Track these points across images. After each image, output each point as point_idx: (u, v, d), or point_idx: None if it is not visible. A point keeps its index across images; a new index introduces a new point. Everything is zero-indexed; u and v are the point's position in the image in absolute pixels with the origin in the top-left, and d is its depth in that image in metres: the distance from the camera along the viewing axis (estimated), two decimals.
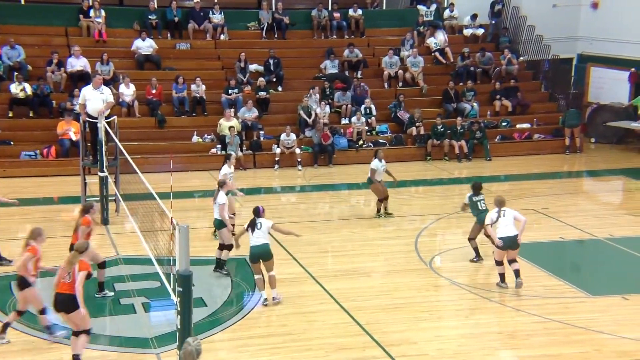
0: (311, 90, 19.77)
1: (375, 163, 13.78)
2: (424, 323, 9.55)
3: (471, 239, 11.57)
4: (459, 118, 19.86)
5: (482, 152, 19.66)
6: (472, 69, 21.75)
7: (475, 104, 20.82)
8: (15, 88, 17.67)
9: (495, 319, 9.82)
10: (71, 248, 9.36)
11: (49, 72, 18.55)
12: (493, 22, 23.36)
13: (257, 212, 10.07)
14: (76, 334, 8.15)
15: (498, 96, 21.19)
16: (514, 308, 10.02)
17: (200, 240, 12.14)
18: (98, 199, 13.09)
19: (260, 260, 9.90)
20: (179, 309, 7.28)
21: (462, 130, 19.66)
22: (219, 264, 11.07)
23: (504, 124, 20.85)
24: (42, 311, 8.82)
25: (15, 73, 17.99)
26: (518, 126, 20.89)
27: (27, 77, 18.21)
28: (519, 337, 9.24)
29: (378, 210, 14.02)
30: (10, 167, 16.49)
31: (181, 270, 7.20)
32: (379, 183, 13.84)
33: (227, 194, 11.46)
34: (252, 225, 9.95)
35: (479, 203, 11.50)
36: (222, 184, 11.34)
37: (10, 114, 17.71)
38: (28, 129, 17.72)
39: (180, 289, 7.23)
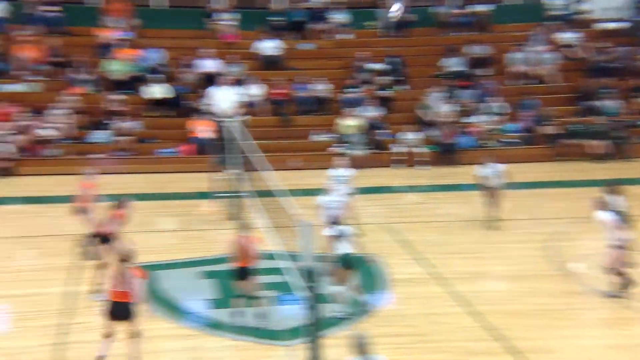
0: (434, 89, 19.49)
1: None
2: (562, 331, 9.10)
3: None
4: (595, 116, 18.80)
5: (621, 152, 18.43)
6: (607, 64, 20.50)
7: (612, 102, 19.60)
8: (152, 90, 18.71)
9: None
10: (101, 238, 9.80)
11: (183, 74, 19.49)
12: (634, 16, 21.89)
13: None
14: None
15: (637, 93, 19.85)
16: None
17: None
18: (227, 194, 13.60)
19: None
20: (306, 304, 7.39)
21: (599, 129, 18.56)
22: None
23: None
24: None
25: (154, 75, 19.05)
26: None
27: (164, 79, 19.23)
28: None
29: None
30: (149, 163, 17.50)
31: (306, 266, 7.31)
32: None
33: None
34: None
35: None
36: None
37: (149, 114, 18.79)
38: (165, 127, 18.71)
39: (307, 285, 7.33)
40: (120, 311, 7.94)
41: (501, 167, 13.13)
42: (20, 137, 16.67)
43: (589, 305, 9.97)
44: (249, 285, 9.18)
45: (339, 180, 11.98)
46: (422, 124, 19.09)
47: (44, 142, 16.94)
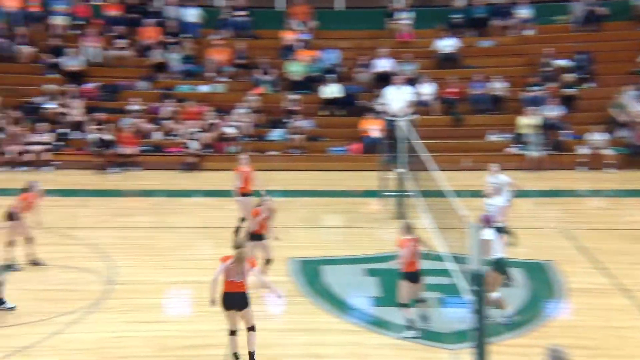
0: (628, 87, 17.92)
1: None
2: None
3: None
4: None
5: None
6: None
7: None
8: (326, 89, 19.23)
9: None
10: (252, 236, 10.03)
11: (357, 74, 19.80)
12: None
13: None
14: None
15: None
16: None
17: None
18: (394, 193, 13.57)
19: None
20: (473, 307, 7.13)
21: None
22: None
23: None
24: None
25: (329, 75, 19.57)
26: None
27: (338, 79, 19.68)
28: None
29: None
30: (319, 160, 17.99)
31: (474, 269, 7.06)
32: None
33: None
34: None
35: None
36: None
37: (322, 113, 19.34)
38: (336, 126, 19.12)
39: (475, 288, 7.08)
40: (237, 301, 7.93)
41: None
42: (206, 135, 17.95)
43: None
44: (418, 288, 8.99)
45: (495, 186, 11.34)
46: (612, 124, 17.65)
47: (227, 139, 18.10)
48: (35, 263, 10.87)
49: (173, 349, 8.44)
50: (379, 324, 9.13)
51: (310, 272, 11.03)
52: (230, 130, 17.99)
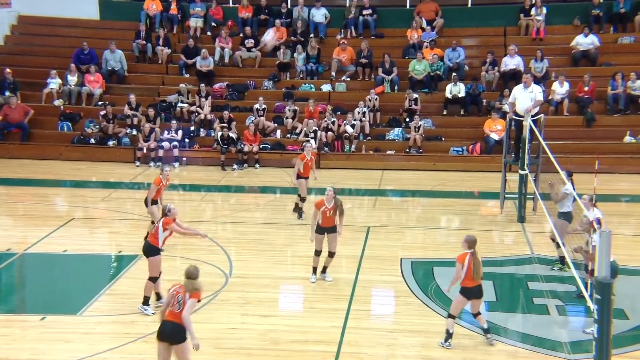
0: None
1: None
2: None
3: None
4: None
5: None
6: None
7: None
8: (450, 88, 18.85)
9: None
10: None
11: (484, 72, 19.25)
12: None
13: None
14: None
15: None
16: None
17: (623, 248, 11.01)
18: (517, 196, 13.07)
19: None
20: (596, 317, 6.76)
21: None
22: None
23: None
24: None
25: (453, 74, 19.17)
26: None
27: (463, 77, 19.22)
28: None
29: None
30: (439, 161, 17.68)
31: (600, 278, 6.71)
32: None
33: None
34: None
35: None
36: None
37: (444, 112, 18.98)
38: (458, 126, 18.70)
39: (599, 297, 6.72)
40: (168, 332, 7.18)
41: None
42: (325, 133, 18.17)
43: None
44: (475, 304, 8.55)
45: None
46: None
47: (344, 138, 18.23)
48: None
49: (284, 342, 8.65)
50: (492, 330, 8.83)
51: (424, 273, 10.90)
52: (349, 129, 18.13)
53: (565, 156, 15.28)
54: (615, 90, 17.94)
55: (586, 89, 18.14)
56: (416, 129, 17.93)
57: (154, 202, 11.51)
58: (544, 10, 20.04)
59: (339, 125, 18.28)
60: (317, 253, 10.29)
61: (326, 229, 10.16)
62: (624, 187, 15.50)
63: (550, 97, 17.90)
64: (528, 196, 13.25)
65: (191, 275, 7.25)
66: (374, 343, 8.61)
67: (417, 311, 9.52)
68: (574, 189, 10.52)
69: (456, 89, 18.75)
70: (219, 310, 9.54)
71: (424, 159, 17.63)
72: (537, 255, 11.44)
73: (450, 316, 8.60)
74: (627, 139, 17.19)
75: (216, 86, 19.97)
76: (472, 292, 8.43)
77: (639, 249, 11.44)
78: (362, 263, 11.15)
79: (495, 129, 17.51)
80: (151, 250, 9.31)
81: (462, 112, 18.81)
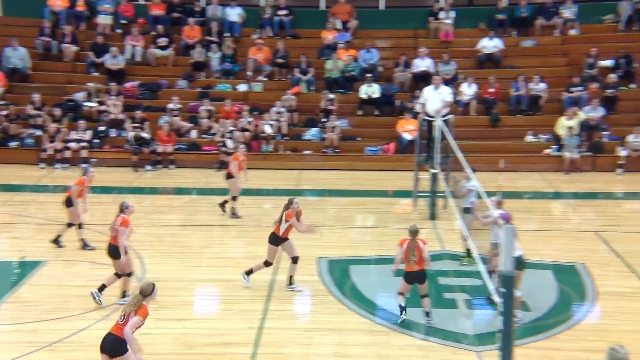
0: None
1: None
2: None
3: None
4: None
5: None
6: None
7: None
8: (365, 89, 19.21)
9: None
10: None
11: (396, 73, 19.73)
12: None
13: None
14: None
15: None
16: None
17: (526, 243, 11.49)
18: (428, 194, 13.50)
19: None
20: (500, 310, 7.08)
21: None
22: None
23: None
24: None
25: (368, 75, 19.54)
26: None
27: (377, 78, 19.63)
28: None
29: None
30: (355, 160, 18.01)
31: (504, 271, 7.00)
32: None
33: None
34: None
35: None
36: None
37: (359, 113, 19.34)
38: (373, 126, 19.10)
39: (503, 290, 7.02)
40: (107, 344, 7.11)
41: None
42: (242, 134, 18.13)
43: None
44: (424, 288, 9.09)
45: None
46: None
47: (261, 138, 18.27)
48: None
49: (200, 346, 8.57)
50: (406, 325, 9.12)
51: (340, 272, 11.08)
52: (267, 129, 18.16)
53: (473, 155, 15.80)
54: (518, 92, 18.81)
55: (491, 90, 18.95)
56: (332, 129, 18.18)
57: (71, 203, 11.28)
58: (452, 14, 20.76)
59: (256, 125, 18.28)
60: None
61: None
62: (527, 185, 16.29)
63: (458, 98, 18.57)
64: (439, 194, 13.73)
65: (143, 291, 7.14)
66: (291, 343, 8.69)
67: (333, 309, 9.66)
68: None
69: (370, 90, 19.13)
70: None
71: (341, 159, 17.91)
72: (447, 251, 11.88)
73: (399, 293, 9.08)
74: (529, 138, 18.08)
75: (127, 85, 19.51)
76: (411, 277, 8.99)
77: (541, 244, 12.03)
78: (280, 263, 11.21)
79: (408, 129, 18.00)
80: (116, 252, 9.25)
81: (376, 113, 19.21)
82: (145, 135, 17.52)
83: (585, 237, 12.34)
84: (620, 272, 10.23)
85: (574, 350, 8.38)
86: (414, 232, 9.05)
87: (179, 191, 15.85)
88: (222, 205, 13.61)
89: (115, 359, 7.00)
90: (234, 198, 13.46)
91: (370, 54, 20.15)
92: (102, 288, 9.43)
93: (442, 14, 20.81)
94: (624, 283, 9.95)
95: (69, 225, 11.45)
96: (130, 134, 17.52)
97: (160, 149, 17.47)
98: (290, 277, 10.21)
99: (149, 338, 8.65)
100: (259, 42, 20.07)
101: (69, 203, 11.36)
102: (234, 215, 13.43)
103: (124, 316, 7.03)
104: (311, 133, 18.57)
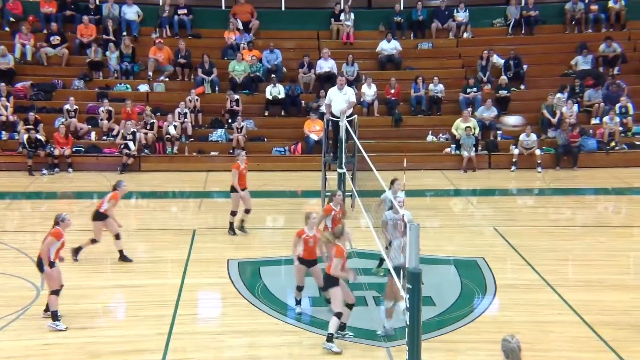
0: (559, 88, 18.59)
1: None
2: None
3: None
4: None
5: None
6: None
7: None
8: (270, 90, 19.22)
9: None
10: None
11: (301, 74, 19.87)
12: None
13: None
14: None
15: None
16: None
17: (430, 240, 12.03)
18: (347, 193, 13.67)
19: None
20: (407, 305, 7.26)
21: None
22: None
23: None
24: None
25: (272, 75, 19.57)
26: None
27: (282, 79, 19.70)
28: None
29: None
30: (263, 161, 17.99)
31: (411, 268, 7.18)
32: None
33: None
34: None
35: None
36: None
37: (266, 113, 19.32)
38: (279, 127, 19.16)
39: (410, 286, 7.21)
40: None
41: None
42: (145, 135, 17.68)
43: None
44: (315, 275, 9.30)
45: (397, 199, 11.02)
46: (543, 125, 18.23)
47: (166, 140, 17.88)
48: None
49: (105, 355, 8.27)
50: (317, 324, 9.20)
51: (250, 273, 11.03)
52: (171, 130, 17.78)
53: (377, 155, 16.22)
54: (417, 93, 19.44)
55: (392, 91, 19.47)
56: (239, 130, 18.05)
57: None
58: (352, 16, 21.15)
59: (160, 127, 17.86)
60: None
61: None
62: (428, 183, 16.87)
63: (362, 99, 18.96)
64: (346, 194, 13.93)
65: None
66: (201, 347, 8.56)
67: (244, 312, 9.60)
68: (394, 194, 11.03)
69: (276, 91, 19.16)
70: (29, 325, 8.90)
71: (248, 160, 17.70)
72: (355, 249, 12.07)
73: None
74: (429, 137, 18.72)
75: (19, 85, 18.57)
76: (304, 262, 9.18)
77: (444, 240, 12.50)
78: (188, 267, 11.03)
79: (314, 129, 18.17)
80: (42, 266, 8.77)
81: (282, 113, 19.27)
82: (40, 137, 16.71)
83: (484, 232, 12.92)
84: (517, 265, 10.77)
85: (476, 342, 8.74)
86: (339, 233, 8.93)
87: (79, 195, 15.22)
88: (241, 228, 12.58)
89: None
90: (233, 213, 12.44)
91: (274, 55, 20.18)
92: (47, 309, 8.95)
93: (342, 16, 21.15)
94: (520, 276, 10.49)
95: None
96: (24, 137, 16.65)
97: (57, 151, 16.71)
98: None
99: (48, 349, 8.30)
100: (159, 41, 19.62)
101: None
102: (232, 231, 12.45)
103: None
104: (217, 134, 18.36)
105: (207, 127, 18.65)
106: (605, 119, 18.03)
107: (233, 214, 12.50)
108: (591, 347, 8.46)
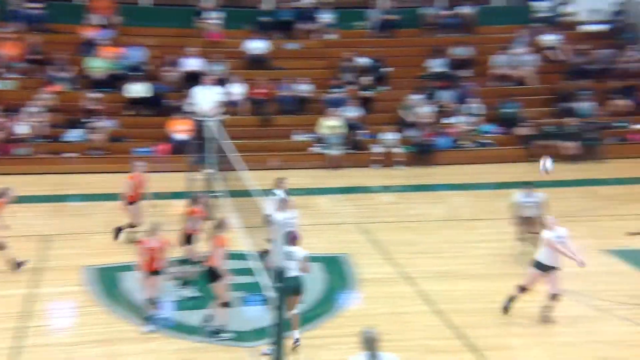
0: (416, 89, 19.60)
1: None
2: (521, 329, 9.22)
3: None
4: (570, 118, 18.95)
5: (594, 153, 18.65)
6: (587, 66, 20.69)
7: (589, 104, 19.80)
8: (133, 88, 18.71)
9: (600, 327, 9.30)
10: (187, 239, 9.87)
11: (165, 72, 19.48)
12: (614, 17, 22.10)
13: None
14: None
15: (615, 95, 20.03)
16: (621, 317, 9.46)
17: (303, 238, 12.25)
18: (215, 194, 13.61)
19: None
20: (274, 304, 7.42)
21: (574, 130, 18.75)
22: None
23: (619, 124, 19.69)
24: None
25: (135, 73, 19.04)
26: (634, 127, 19.64)
27: (145, 77, 19.21)
28: (623, 348, 8.71)
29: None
30: (125, 163, 17.41)
31: (276, 267, 7.35)
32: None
33: None
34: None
35: None
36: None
37: (128, 113, 18.77)
38: (143, 126, 18.66)
39: (276, 285, 7.37)
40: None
41: (540, 196, 11.96)
42: None
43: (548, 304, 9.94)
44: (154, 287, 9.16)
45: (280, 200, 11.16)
46: (402, 125, 19.16)
47: (18, 140, 16.89)
48: None
49: None
50: (179, 329, 9.15)
51: (108, 280, 10.74)
52: (20, 131, 16.80)
53: (246, 154, 16.27)
54: (285, 93, 19.73)
55: (261, 91, 19.61)
56: (98, 130, 17.42)
57: None
58: (217, 14, 21.03)
59: (9, 127, 16.85)
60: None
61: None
62: (295, 182, 17.05)
63: (229, 99, 18.93)
64: (215, 194, 13.87)
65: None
66: (56, 359, 8.26)
67: (101, 320, 9.36)
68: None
69: (139, 89, 18.68)
70: None
71: (109, 161, 17.24)
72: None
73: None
74: (296, 137, 19.05)
75: None
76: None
77: (312, 237, 12.64)
78: (42, 276, 10.55)
79: (180, 129, 17.91)
80: None
81: (146, 113, 18.80)
82: None
83: (349, 229, 13.38)
84: (378, 260, 11.30)
85: (338, 336, 9.06)
86: (155, 230, 9.00)
87: None
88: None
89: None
90: (132, 225, 11.86)
91: (136, 52, 19.65)
92: None
93: (207, 14, 20.99)
94: (380, 270, 11.02)
95: None
96: None
97: None
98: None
99: None
100: (9, 36, 18.45)
101: None
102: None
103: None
104: (73, 134, 17.58)
105: (64, 127, 17.79)
106: (457, 118, 19.28)
107: (132, 226, 11.97)
108: (444, 335, 9.09)
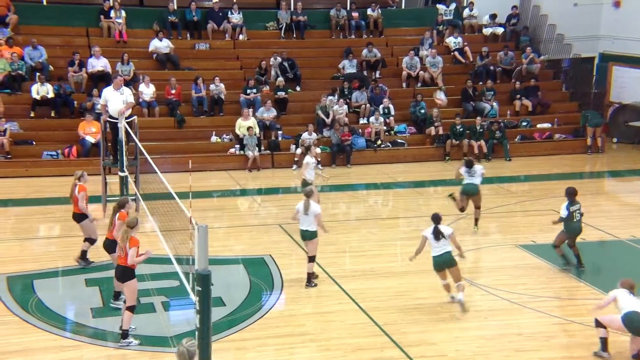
0: (329, 90, 19.80)
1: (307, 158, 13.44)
2: (442, 324, 9.52)
3: (556, 247, 11.34)
4: (478, 118, 19.74)
5: (502, 152, 19.55)
6: (491, 68, 21.64)
7: (494, 104, 20.72)
8: (37, 89, 17.86)
9: (515, 320, 9.74)
10: (107, 243, 9.64)
11: (70, 73, 18.72)
12: (512, 20, 23.20)
13: (438, 220, 9.70)
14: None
15: (518, 96, 21.06)
16: (534, 309, 9.94)
17: (218, 240, 12.17)
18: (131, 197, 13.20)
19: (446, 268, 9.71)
20: (198, 308, 7.31)
21: (481, 130, 19.56)
22: (310, 278, 10.64)
23: (524, 123, 20.72)
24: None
25: (37, 74, 18.17)
26: (538, 126, 20.75)
27: (49, 78, 18.38)
28: (538, 339, 9.16)
29: None
30: (32, 166, 16.65)
31: (200, 270, 7.23)
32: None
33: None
34: (436, 234, 9.63)
35: (575, 214, 11.04)
36: (309, 194, 10.73)
37: (32, 115, 17.90)
38: (50, 129, 17.88)
39: (199, 288, 7.25)
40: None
41: (480, 168, 13.01)
42: None
43: (468, 298, 10.19)
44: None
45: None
46: (318, 125, 19.31)
47: None
48: None
49: None
50: (100, 336, 8.84)
51: (21, 288, 10.27)
52: None
53: (161, 157, 15.99)
54: (199, 94, 19.39)
55: (173, 91, 19.20)
56: (1, 133, 16.52)
57: None
58: (123, 13, 20.43)
59: None
60: None
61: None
62: (214, 184, 16.96)
63: (140, 100, 18.43)
64: (130, 197, 13.44)
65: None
66: None
67: (15, 330, 8.96)
68: None
69: (43, 90, 17.89)
70: None
71: (14, 165, 16.42)
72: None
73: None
74: (213, 138, 18.82)
75: None
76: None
77: (232, 239, 12.70)
78: None
79: (90, 131, 17.30)
80: None
81: (52, 114, 18.01)
82: None
83: (270, 230, 13.35)
84: (301, 260, 11.31)
85: (264, 337, 9.07)
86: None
87: None
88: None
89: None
90: (92, 241, 11.09)
91: (37, 52, 18.78)
92: None
93: (113, 13, 20.34)
94: (303, 270, 11.00)
95: None
96: None
97: None
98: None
99: None
100: None
101: None
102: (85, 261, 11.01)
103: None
104: None
105: None
106: (372, 119, 19.63)
107: (92, 242, 11.21)
108: (368, 332, 9.25)
